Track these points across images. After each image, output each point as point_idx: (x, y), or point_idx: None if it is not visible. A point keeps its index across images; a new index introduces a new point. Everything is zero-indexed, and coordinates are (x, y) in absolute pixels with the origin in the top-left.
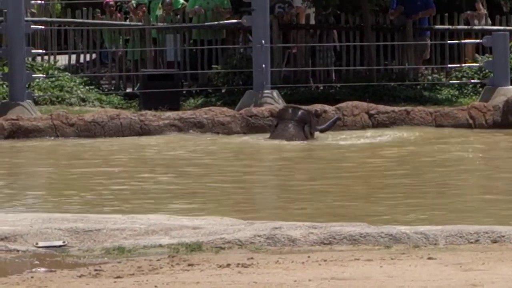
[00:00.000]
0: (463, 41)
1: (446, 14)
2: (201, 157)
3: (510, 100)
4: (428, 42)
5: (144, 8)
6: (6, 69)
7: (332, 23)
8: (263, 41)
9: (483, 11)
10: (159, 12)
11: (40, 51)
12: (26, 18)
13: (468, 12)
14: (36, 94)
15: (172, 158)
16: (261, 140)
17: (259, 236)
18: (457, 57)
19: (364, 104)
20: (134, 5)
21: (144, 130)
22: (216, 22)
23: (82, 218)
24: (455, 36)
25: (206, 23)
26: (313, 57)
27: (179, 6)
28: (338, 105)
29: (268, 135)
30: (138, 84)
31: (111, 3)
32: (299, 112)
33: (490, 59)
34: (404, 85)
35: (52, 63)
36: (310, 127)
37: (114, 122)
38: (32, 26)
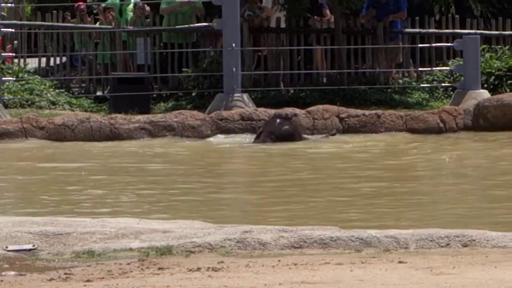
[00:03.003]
0: (433, 44)
1: (417, 18)
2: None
3: (481, 104)
4: (400, 45)
5: (112, 12)
6: None
7: (302, 27)
8: (233, 44)
9: (329, 16)
10: (130, 15)
11: (10, 54)
12: None
13: (315, 17)
14: (6, 97)
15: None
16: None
17: (229, 239)
18: (428, 61)
19: (334, 108)
20: (103, 6)
21: (114, 134)
22: (186, 26)
23: (52, 222)
24: (426, 40)
25: (177, 26)
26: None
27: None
28: (308, 109)
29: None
30: (108, 88)
31: (82, 7)
32: (283, 128)
33: (461, 62)
34: (375, 88)
35: (22, 66)
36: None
37: (84, 125)
38: (2, 29)
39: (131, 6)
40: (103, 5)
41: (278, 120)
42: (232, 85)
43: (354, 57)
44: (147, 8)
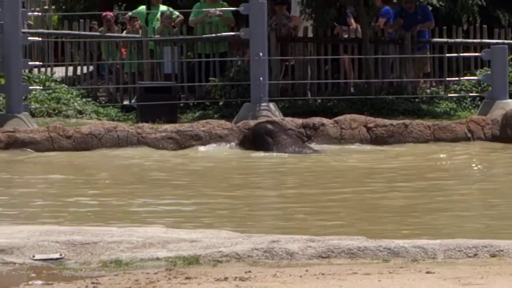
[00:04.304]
0: (461, 54)
1: (445, 28)
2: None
3: (509, 114)
4: (428, 55)
5: (136, 22)
6: (3, 81)
7: (330, 36)
8: (260, 54)
9: (354, 26)
10: (157, 24)
11: (37, 63)
12: (23, 30)
13: (341, 26)
14: (33, 106)
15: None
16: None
17: (256, 249)
18: (456, 71)
19: (362, 117)
20: (130, 14)
21: (141, 143)
22: (213, 35)
23: (79, 231)
24: (454, 50)
25: (204, 36)
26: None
27: (174, 17)
28: (336, 118)
29: None
30: (135, 97)
31: (109, 16)
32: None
33: (489, 72)
34: (403, 98)
35: (49, 75)
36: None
37: (111, 134)
38: (29, 38)
39: (158, 15)
40: (130, 13)
41: (274, 124)
42: (259, 94)
43: (382, 67)
44: (181, 17)
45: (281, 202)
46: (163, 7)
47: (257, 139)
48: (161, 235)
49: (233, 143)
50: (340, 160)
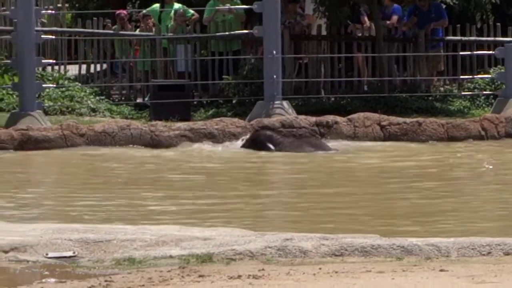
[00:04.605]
0: (475, 52)
1: (458, 26)
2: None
3: None
4: (442, 53)
5: (149, 20)
6: (16, 79)
7: (343, 34)
8: (274, 52)
9: (368, 24)
10: (170, 22)
11: (51, 61)
12: (36, 28)
13: (355, 24)
14: (46, 104)
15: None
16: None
17: (270, 247)
18: (469, 69)
19: (375, 116)
20: (144, 12)
21: (154, 141)
22: (227, 33)
23: (92, 229)
24: (467, 48)
25: (217, 34)
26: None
27: (189, 15)
28: (349, 116)
29: None
30: (149, 95)
31: (122, 14)
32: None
33: (503, 70)
34: (416, 96)
35: (63, 73)
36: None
37: (124, 132)
38: (42, 36)
39: (171, 13)
40: (143, 11)
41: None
42: (272, 92)
43: (396, 65)
44: (196, 15)
45: (294, 201)
46: (176, 5)
47: (257, 146)
48: (174, 233)
49: (239, 143)
50: (354, 158)
